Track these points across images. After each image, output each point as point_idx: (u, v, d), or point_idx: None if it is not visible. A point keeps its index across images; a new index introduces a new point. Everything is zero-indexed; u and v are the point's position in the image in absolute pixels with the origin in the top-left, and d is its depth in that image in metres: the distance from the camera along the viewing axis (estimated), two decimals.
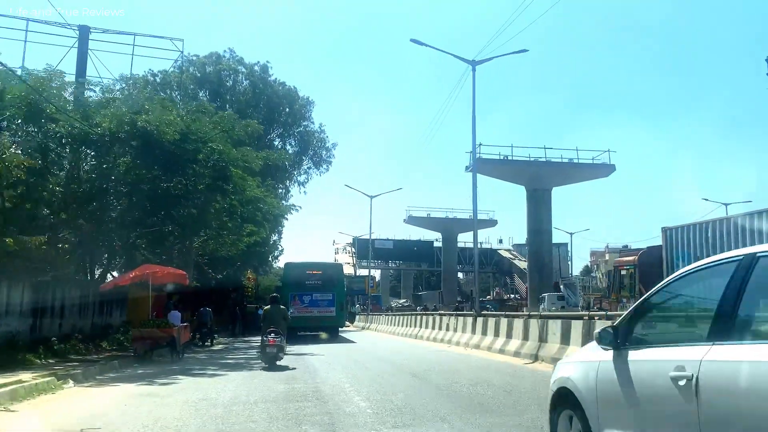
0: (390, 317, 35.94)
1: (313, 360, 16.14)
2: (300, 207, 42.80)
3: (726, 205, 41.53)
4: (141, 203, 17.18)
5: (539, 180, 42.60)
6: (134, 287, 18.98)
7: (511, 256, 71.29)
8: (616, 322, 4.07)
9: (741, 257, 3.15)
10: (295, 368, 13.77)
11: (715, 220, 17.04)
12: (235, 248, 30.57)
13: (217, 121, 18.99)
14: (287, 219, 39.36)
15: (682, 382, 3.04)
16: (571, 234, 59.48)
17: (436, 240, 69.96)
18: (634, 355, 3.64)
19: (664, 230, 19.12)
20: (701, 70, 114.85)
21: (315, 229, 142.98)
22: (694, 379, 2.97)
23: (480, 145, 42.60)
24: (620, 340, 3.79)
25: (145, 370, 13.93)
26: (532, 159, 42.75)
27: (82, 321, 18.26)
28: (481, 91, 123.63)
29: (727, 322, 3.01)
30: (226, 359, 17.42)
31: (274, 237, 46.54)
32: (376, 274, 70.62)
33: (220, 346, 23.68)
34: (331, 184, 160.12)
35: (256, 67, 43.65)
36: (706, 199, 42.90)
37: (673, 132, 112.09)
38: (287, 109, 44.89)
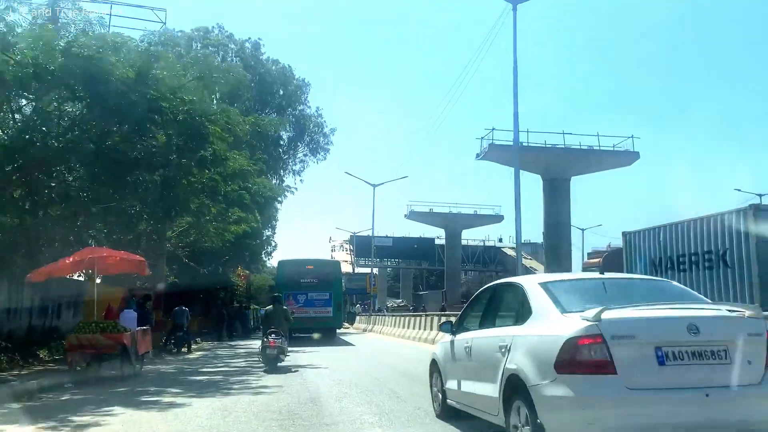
0: (396, 318, 31.62)
1: (315, 377, 11.83)
2: (296, 189, 38.56)
3: (760, 195, 37.67)
4: (88, 168, 12.79)
5: (557, 168, 38.34)
6: (92, 280, 14.65)
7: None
8: (454, 320, 7.45)
9: (495, 284, 6.59)
10: (291, 390, 9.48)
11: (666, 225, 17.87)
12: (221, 239, 26.28)
13: (190, 63, 14.63)
14: (281, 203, 35.06)
15: (468, 349, 6.07)
16: (582, 230, 55.34)
17: (438, 237, 65.70)
18: (458, 338, 6.50)
19: (624, 234, 20.03)
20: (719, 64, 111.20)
21: (310, 225, 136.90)
22: (471, 347, 6.01)
23: (493, 129, 38.49)
24: (455, 329, 6.73)
25: (74, 396, 9.58)
26: (549, 146, 38.52)
27: (12, 324, 13.88)
28: (494, 76, 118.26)
29: (483, 319, 6.18)
30: (200, 374, 13.07)
31: (268, 232, 42.47)
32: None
33: (198, 354, 19.30)
34: (328, 175, 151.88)
35: (247, 44, 39.35)
36: (739, 190, 39.03)
37: (676, 130, 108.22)
38: (281, 92, 40.55)
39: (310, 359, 15.83)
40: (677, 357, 4.26)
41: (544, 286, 5.20)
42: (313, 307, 26.99)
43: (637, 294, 5.19)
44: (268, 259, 48.44)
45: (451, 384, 6.56)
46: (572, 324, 4.41)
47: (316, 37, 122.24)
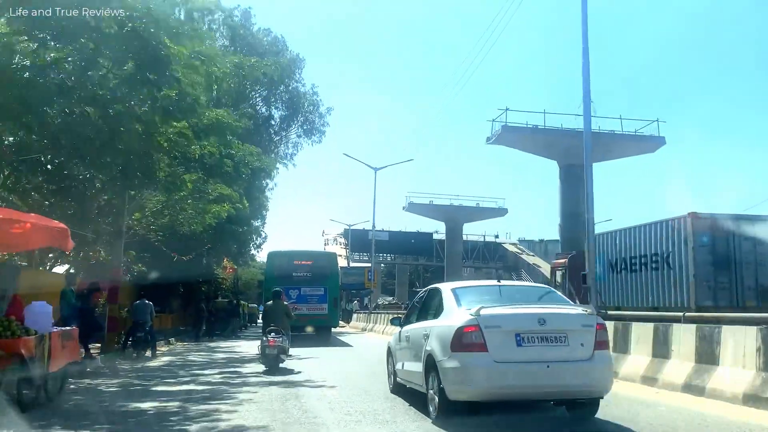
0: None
1: (318, 403, 7.70)
2: (288, 162, 34.58)
3: None
4: None
5: (576, 154, 34.18)
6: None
7: (518, 251, 63.32)
8: (402, 316, 9.01)
9: (428, 288, 8.17)
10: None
11: (621, 229, 19.95)
12: (201, 223, 22.15)
13: None
14: (271, 187, 31.03)
15: (407, 338, 7.69)
16: None
17: (436, 232, 61.74)
18: (403, 329, 8.04)
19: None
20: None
21: (302, 217, 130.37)
22: (409, 336, 7.60)
23: (506, 109, 34.53)
24: (402, 323, 8.28)
25: None
26: (568, 129, 34.53)
27: None
28: (508, 56, 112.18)
29: (419, 314, 7.68)
30: (150, 396, 8.84)
31: (257, 222, 38.37)
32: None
33: (164, 360, 15.03)
34: (323, 160, 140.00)
35: (236, 12, 35.05)
36: None
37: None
38: (272, 67, 36.28)
39: (308, 370, 11.82)
40: (530, 340, 5.96)
41: (454, 290, 7.03)
42: (307, 304, 23.26)
43: (521, 297, 6.95)
44: (258, 251, 44.20)
45: (398, 365, 8.11)
46: (462, 317, 6.16)
47: (311, 9, 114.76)
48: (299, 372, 11.49)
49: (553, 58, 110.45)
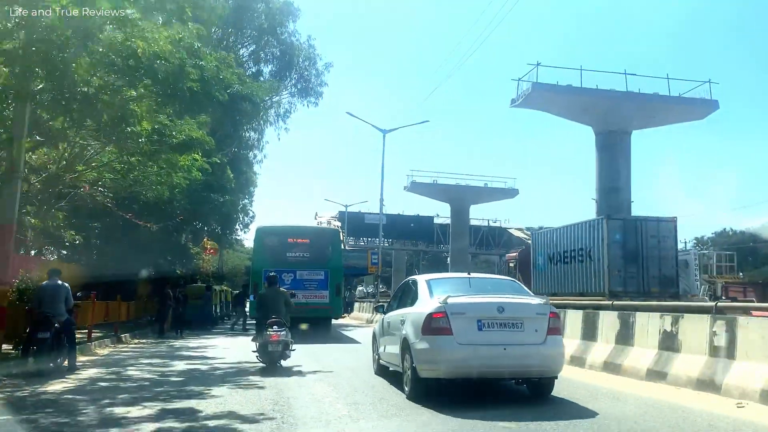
0: None
1: None
2: (284, 124, 29.02)
3: None
4: None
5: (616, 119, 28.88)
6: None
7: (525, 236, 57.98)
8: (386, 304, 9.60)
9: (407, 279, 8.88)
10: None
11: (558, 228, 23.55)
12: (167, 182, 16.58)
13: None
14: (261, 154, 25.31)
15: (388, 323, 8.40)
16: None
17: (437, 215, 56.48)
18: (386, 316, 8.70)
19: (533, 232, 27.36)
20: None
21: (293, 196, 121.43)
22: (390, 322, 8.29)
23: (537, 64, 28.90)
24: (385, 311, 8.94)
25: None
26: (607, 90, 28.98)
27: None
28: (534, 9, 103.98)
29: (399, 302, 8.32)
30: None
31: (244, 200, 32.86)
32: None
33: (86, 375, 9.25)
34: (318, 131, 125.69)
35: None
36: None
37: None
38: (263, 16, 30.46)
39: (315, 392, 6.47)
40: (490, 326, 6.66)
41: (428, 282, 7.75)
42: (304, 291, 18.32)
43: (487, 288, 7.71)
44: (245, 231, 38.48)
45: (381, 349, 8.79)
46: (432, 305, 6.87)
47: None
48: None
49: (579, 16, 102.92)
